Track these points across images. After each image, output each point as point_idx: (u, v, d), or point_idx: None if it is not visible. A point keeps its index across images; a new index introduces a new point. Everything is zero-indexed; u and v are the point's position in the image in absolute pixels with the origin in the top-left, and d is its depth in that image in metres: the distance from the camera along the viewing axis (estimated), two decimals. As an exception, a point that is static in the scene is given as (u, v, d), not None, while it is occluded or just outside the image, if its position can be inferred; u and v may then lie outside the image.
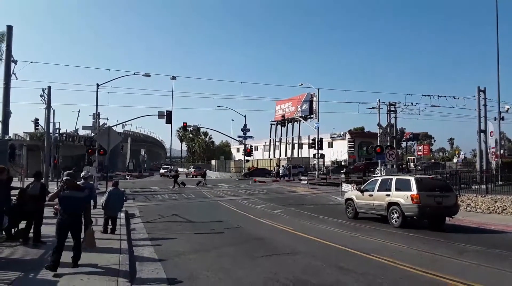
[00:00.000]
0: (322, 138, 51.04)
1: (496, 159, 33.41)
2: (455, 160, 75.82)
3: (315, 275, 7.49)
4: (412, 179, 13.87)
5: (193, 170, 60.15)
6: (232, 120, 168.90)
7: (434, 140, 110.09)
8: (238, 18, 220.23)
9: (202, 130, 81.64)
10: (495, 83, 32.20)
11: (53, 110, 36.26)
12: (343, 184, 27.02)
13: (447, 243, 10.90)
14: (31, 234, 9.90)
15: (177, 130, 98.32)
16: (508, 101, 38.88)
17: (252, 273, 7.70)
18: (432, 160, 76.05)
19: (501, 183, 22.69)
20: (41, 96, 31.95)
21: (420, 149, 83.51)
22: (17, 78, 18.99)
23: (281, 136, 77.79)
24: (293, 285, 6.90)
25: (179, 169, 51.97)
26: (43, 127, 37.19)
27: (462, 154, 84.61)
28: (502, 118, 35.19)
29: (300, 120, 66.37)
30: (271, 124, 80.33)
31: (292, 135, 74.11)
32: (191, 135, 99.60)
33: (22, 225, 10.09)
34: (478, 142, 30.86)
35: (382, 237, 11.81)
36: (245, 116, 55.10)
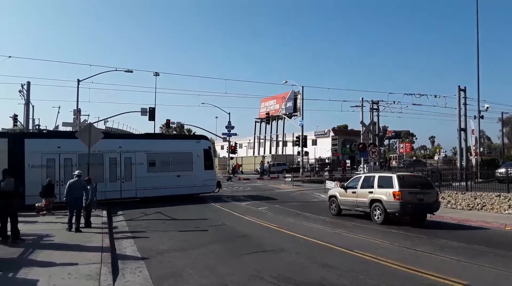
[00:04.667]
0: (306, 136, 51.29)
1: (476, 157, 34.16)
2: (436, 157, 77.09)
3: (300, 272, 7.52)
4: (394, 176, 14.04)
5: None
6: (217, 117, 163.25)
7: (416, 138, 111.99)
8: (222, 14, 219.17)
9: (186, 127, 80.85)
10: (475, 82, 32.80)
11: (33, 106, 35.62)
12: (327, 182, 27.20)
13: (428, 239, 11.08)
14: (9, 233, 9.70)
15: (161, 127, 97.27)
16: (488, 100, 39.85)
17: (237, 271, 7.68)
18: (414, 158, 77.16)
19: (480, 180, 23.09)
20: (20, 91, 31.31)
21: (402, 147, 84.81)
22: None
23: (265, 133, 77.90)
24: (277, 282, 6.91)
25: None
26: (22, 123, 36.39)
27: (443, 152, 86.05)
28: (482, 117, 36.06)
29: (284, 118, 66.50)
30: (256, 122, 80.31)
31: (277, 132, 74.25)
32: (175, 132, 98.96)
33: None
34: (458, 140, 31.44)
35: (365, 233, 11.94)
36: (229, 113, 54.72)
